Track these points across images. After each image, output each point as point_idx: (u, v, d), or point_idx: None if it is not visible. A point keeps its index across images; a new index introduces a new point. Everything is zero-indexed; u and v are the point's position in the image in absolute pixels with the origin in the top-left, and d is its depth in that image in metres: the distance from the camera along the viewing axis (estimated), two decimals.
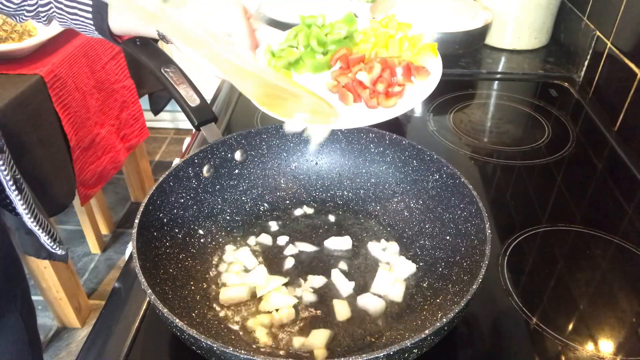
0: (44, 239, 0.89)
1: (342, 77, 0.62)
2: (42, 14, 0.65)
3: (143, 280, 0.50)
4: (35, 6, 0.64)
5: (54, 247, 0.91)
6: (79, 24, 0.66)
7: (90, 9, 0.64)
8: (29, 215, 0.83)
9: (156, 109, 2.03)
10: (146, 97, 1.94)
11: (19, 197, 0.80)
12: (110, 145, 1.64)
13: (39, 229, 0.87)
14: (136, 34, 0.69)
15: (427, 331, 0.46)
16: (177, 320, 0.46)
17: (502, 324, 0.60)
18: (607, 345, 0.57)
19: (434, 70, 0.63)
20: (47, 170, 1.28)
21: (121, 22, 0.65)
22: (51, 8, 0.64)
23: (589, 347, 0.57)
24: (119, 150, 1.70)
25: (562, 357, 0.56)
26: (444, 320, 0.47)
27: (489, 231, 0.56)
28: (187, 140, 0.98)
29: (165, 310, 0.47)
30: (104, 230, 2.04)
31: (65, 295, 1.57)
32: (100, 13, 0.64)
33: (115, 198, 2.24)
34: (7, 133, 1.12)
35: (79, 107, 1.45)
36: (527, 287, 0.64)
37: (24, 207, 0.82)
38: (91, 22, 0.65)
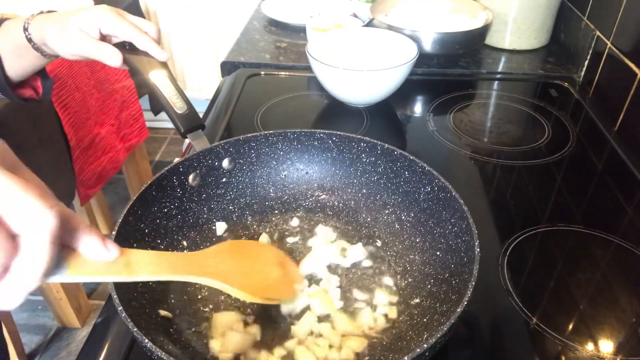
0: None
1: None
2: None
3: (115, 295, 0.47)
4: None
5: None
6: None
7: None
8: None
9: (156, 109, 2.03)
10: (146, 97, 1.94)
11: None
12: (110, 145, 1.64)
13: None
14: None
15: (405, 358, 0.44)
16: (147, 340, 0.44)
17: (502, 324, 0.60)
18: (607, 345, 0.57)
19: None
20: (47, 170, 1.28)
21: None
22: None
23: (589, 347, 0.57)
24: (119, 150, 1.70)
25: (562, 357, 0.56)
26: (425, 346, 0.45)
27: (478, 249, 0.53)
28: (187, 140, 0.98)
29: (135, 329, 0.45)
30: (104, 230, 2.04)
31: (65, 295, 1.57)
32: None
33: (115, 198, 2.24)
34: (7, 133, 1.12)
35: (79, 107, 1.45)
36: (527, 287, 0.64)
37: None
38: None
